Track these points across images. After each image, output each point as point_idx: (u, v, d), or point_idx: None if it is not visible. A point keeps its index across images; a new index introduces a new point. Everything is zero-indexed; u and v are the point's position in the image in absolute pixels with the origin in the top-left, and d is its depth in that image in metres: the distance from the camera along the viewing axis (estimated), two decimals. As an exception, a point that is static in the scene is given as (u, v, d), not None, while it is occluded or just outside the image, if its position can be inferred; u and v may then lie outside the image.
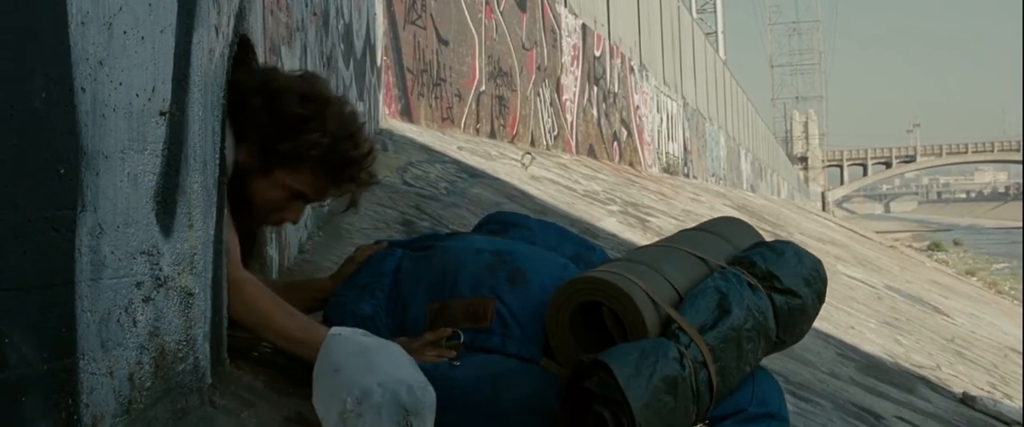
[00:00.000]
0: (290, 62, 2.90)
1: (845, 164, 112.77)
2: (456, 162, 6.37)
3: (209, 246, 1.75)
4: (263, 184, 2.16)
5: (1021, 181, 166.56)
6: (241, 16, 2.10)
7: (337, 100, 2.26)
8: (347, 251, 3.34)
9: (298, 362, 2.01)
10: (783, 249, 2.25)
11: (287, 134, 2.15)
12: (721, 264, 2.18)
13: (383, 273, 2.22)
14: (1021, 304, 17.10)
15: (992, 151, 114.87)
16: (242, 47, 2.15)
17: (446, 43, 9.40)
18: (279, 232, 2.66)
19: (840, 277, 11.05)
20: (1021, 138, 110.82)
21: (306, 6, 3.25)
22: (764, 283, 2.14)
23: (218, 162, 1.84)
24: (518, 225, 2.44)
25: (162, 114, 1.56)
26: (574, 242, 2.42)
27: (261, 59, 2.36)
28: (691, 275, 2.12)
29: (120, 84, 1.46)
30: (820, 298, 2.25)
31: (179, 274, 1.62)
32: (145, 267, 1.53)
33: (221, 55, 1.88)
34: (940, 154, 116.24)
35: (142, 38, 1.50)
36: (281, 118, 2.16)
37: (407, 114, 8.36)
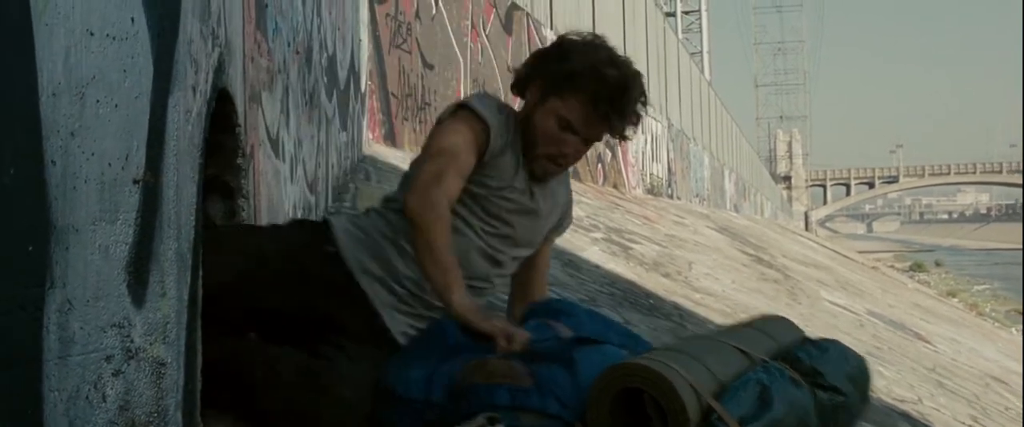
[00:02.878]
0: (271, 107, 2.87)
1: (828, 184, 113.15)
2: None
3: (183, 312, 1.72)
4: (539, 114, 2.48)
5: (1004, 203, 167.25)
6: (220, 70, 2.07)
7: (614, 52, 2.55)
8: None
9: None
10: (827, 346, 2.27)
11: (560, 60, 2.50)
12: (764, 358, 2.19)
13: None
14: (1021, 335, 17.06)
15: (974, 173, 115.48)
16: (220, 100, 2.12)
17: (431, 67, 9.39)
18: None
19: (823, 303, 11.04)
20: (1005, 160, 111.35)
21: (288, 45, 3.22)
22: (807, 379, 2.14)
23: (194, 224, 1.81)
24: (564, 313, 2.47)
25: (136, 182, 1.52)
26: (620, 333, 2.45)
27: (240, 109, 2.33)
28: (734, 368, 2.13)
29: (92, 154, 1.42)
30: (864, 397, 2.26)
31: (151, 344, 1.58)
32: (116, 340, 1.49)
33: (198, 114, 1.85)
34: (923, 175, 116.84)
35: (116, 106, 1.47)
36: (561, 52, 2.53)
37: (391, 139, 8.34)
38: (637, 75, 2.53)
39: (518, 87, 2.57)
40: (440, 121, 2.48)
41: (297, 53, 3.42)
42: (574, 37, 2.55)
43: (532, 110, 2.49)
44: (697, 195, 28.67)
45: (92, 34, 1.42)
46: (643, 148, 20.86)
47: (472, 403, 2.09)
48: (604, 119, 2.47)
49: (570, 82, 2.45)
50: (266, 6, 2.78)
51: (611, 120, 2.47)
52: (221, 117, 2.17)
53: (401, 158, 7.61)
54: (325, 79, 4.37)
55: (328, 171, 4.41)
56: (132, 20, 1.51)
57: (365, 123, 7.00)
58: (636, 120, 2.51)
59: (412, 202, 2.33)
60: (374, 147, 7.40)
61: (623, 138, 2.54)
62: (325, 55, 4.38)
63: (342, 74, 5.24)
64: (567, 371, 2.13)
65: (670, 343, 2.52)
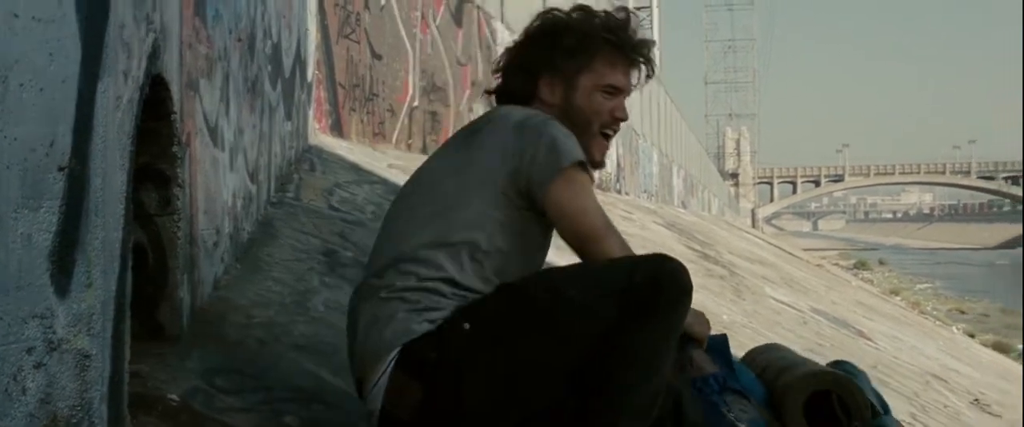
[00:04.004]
0: (210, 95, 2.81)
1: (775, 181, 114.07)
2: (385, 182, 6.28)
3: (110, 303, 1.68)
4: (578, 99, 2.41)
5: (946, 203, 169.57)
6: (154, 56, 2.02)
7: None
8: (267, 285, 3.25)
9: (199, 417, 1.93)
10: (849, 366, 2.83)
11: (558, 40, 2.40)
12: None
13: None
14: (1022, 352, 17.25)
15: (919, 173, 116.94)
16: (155, 86, 2.08)
17: (380, 58, 9.32)
18: (191, 271, 2.57)
19: (767, 300, 11.11)
20: (949, 161, 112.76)
21: (230, 32, 3.16)
22: None
23: (123, 214, 1.76)
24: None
25: (61, 169, 1.48)
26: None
27: (176, 97, 2.28)
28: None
29: (15, 139, 1.38)
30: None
31: (75, 336, 1.54)
32: (37, 331, 1.45)
33: (130, 101, 1.80)
34: (868, 174, 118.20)
35: (41, 90, 1.42)
36: (551, 36, 2.43)
37: (338, 129, 8.27)
38: (621, 8, 2.54)
39: (518, 97, 2.45)
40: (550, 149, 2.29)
41: (239, 40, 3.36)
42: (543, 19, 2.47)
43: (565, 103, 2.41)
44: (645, 191, 28.78)
45: (16, 16, 1.38)
46: (592, 143, 20.85)
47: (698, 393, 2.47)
48: (635, 62, 2.44)
49: (585, 50, 2.39)
50: (206, -9, 2.73)
51: (640, 58, 2.45)
52: (156, 104, 2.13)
53: (347, 149, 7.54)
54: (269, 67, 4.31)
55: (271, 160, 4.35)
56: (59, 2, 1.47)
57: (311, 113, 6.93)
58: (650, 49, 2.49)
59: None
60: (320, 137, 7.33)
61: (652, 73, 2.52)
62: (269, 43, 4.32)
63: (287, 62, 5.18)
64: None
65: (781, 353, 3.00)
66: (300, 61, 5.85)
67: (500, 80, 2.53)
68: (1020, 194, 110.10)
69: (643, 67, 2.46)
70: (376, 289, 2.24)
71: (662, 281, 2.20)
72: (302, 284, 3.33)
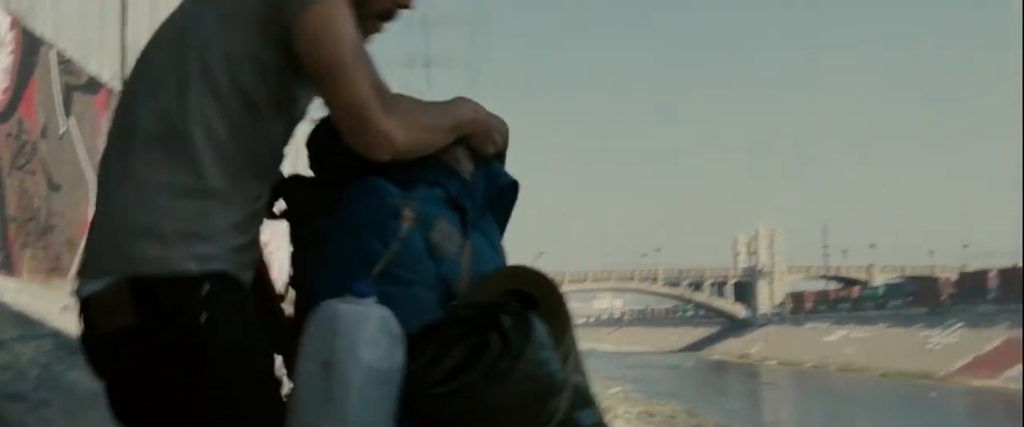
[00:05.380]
0: None
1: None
2: (56, 334, 5.88)
3: None
4: None
5: (635, 308, 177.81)
6: None
7: None
8: None
9: None
10: None
11: None
12: None
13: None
14: None
15: (610, 279, 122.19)
16: None
17: (58, 188, 8.86)
18: None
19: None
20: (637, 268, 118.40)
21: None
22: None
23: None
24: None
25: None
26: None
27: None
28: None
29: None
30: None
31: None
32: None
33: None
34: (562, 281, 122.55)
35: None
36: None
37: (8, 267, 7.76)
38: None
39: None
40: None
41: None
42: None
43: None
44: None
45: None
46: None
47: (429, 172, 2.06)
48: None
49: None
50: None
51: None
52: None
53: (17, 289, 7.07)
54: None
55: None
56: None
57: (-24, 254, 6.48)
58: None
59: (398, 137, 1.95)
60: (-13, 278, 6.85)
61: None
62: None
63: (-56, 213, 4.81)
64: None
65: None
66: (-38, 206, 5.46)
67: None
68: (702, 299, 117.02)
69: None
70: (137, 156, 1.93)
71: None
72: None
